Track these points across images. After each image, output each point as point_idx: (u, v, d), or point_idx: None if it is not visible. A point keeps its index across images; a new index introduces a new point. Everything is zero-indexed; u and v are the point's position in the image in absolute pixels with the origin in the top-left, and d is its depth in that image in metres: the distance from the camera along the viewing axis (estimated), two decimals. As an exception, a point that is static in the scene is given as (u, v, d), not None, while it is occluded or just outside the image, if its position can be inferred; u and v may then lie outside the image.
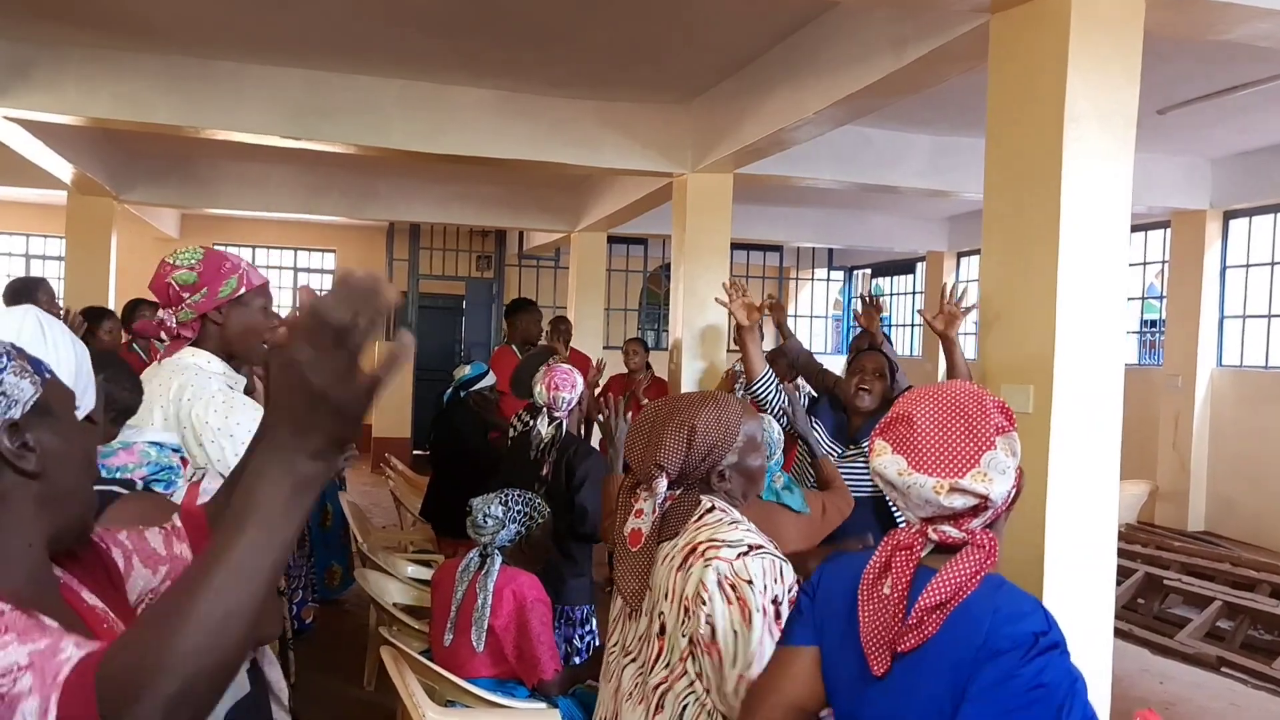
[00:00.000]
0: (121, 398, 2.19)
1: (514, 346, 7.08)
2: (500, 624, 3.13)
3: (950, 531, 1.52)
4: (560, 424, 3.95)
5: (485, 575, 3.16)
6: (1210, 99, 6.51)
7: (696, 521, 1.99)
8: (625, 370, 7.37)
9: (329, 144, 6.68)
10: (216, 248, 2.58)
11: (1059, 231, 3.45)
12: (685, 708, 1.91)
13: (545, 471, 3.89)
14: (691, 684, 1.90)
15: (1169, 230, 9.62)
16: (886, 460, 1.55)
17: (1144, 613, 6.60)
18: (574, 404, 3.97)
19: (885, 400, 3.94)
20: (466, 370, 5.50)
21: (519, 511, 3.25)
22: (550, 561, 3.49)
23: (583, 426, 4.51)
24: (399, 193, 10.61)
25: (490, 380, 5.51)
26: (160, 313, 2.45)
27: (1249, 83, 6.18)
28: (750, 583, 1.82)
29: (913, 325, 14.15)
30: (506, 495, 3.30)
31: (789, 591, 1.86)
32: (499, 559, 3.20)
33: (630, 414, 4.81)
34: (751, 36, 5.60)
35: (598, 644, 3.82)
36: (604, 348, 10.91)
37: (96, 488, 1.30)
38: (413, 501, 6.90)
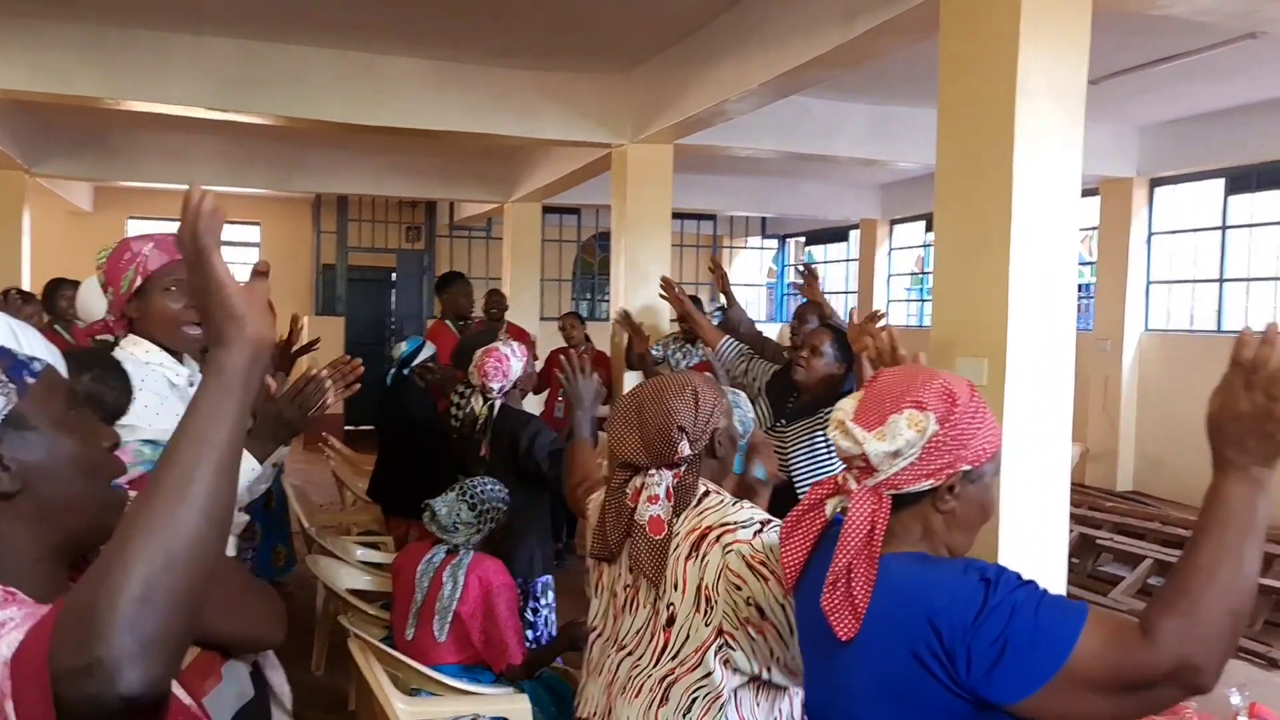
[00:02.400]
0: (110, 398, 2.06)
1: (448, 322, 6.98)
2: (467, 610, 3.09)
3: (850, 480, 1.51)
4: (493, 405, 3.90)
5: (456, 566, 3.11)
6: (1141, 69, 6.62)
7: (696, 508, 1.97)
8: (565, 345, 7.31)
9: (258, 116, 6.45)
10: (130, 224, 2.45)
11: (1012, 206, 3.45)
12: (694, 700, 1.87)
13: (484, 452, 3.84)
14: (705, 677, 1.86)
15: (1098, 197, 9.82)
16: (846, 401, 1.56)
17: (1078, 572, 6.78)
18: (508, 389, 3.91)
19: (828, 381, 3.93)
20: (403, 347, 5.39)
21: (488, 509, 3.19)
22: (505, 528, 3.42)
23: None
24: (327, 164, 10.36)
25: (430, 350, 5.42)
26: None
27: (1178, 54, 6.29)
28: (774, 553, 1.83)
29: (846, 292, 14.28)
30: (470, 494, 3.21)
31: None
32: (471, 554, 3.15)
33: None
34: (695, 5, 5.51)
35: (554, 618, 3.79)
36: (540, 319, 10.82)
37: None
38: (354, 480, 6.79)
